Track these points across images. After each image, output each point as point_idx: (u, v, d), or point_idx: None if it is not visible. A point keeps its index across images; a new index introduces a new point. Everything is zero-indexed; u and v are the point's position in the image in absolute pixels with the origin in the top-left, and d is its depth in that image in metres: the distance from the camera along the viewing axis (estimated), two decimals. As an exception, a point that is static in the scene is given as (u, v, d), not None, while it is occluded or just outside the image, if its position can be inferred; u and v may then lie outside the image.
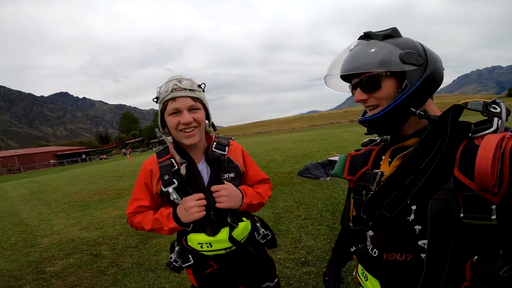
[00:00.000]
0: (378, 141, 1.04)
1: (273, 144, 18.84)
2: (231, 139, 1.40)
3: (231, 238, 1.22)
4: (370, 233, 0.85)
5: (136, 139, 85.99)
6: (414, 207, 0.74)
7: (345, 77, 0.90)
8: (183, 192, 1.21)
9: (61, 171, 25.93)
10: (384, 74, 0.77)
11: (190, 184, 1.23)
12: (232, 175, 1.30)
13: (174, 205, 1.23)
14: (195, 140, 1.21)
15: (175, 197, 1.19)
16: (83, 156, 57.83)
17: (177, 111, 1.16)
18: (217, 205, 1.20)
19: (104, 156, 56.02)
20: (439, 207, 0.66)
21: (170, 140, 1.28)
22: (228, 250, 1.27)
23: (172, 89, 1.15)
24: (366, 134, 1.04)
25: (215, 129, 1.38)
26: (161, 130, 1.28)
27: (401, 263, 0.74)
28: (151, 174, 1.27)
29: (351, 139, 14.55)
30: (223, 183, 1.24)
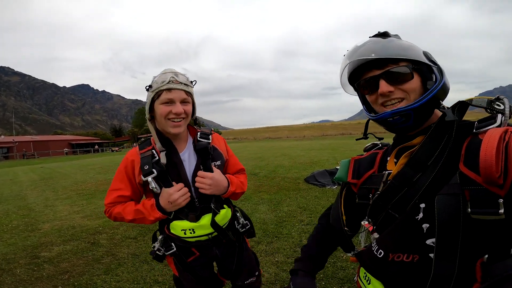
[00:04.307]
0: (380, 145, 1.03)
1: (282, 150, 18.73)
2: (211, 129, 1.47)
3: (213, 223, 1.29)
4: (375, 235, 0.82)
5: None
6: (423, 205, 0.70)
7: (355, 75, 0.86)
8: (163, 181, 1.26)
9: (73, 160, 26.45)
10: (415, 66, 0.76)
11: (170, 173, 1.28)
12: (218, 162, 1.38)
13: (155, 194, 1.28)
14: (181, 130, 1.28)
15: (153, 186, 1.24)
16: (96, 147, 58.78)
17: (170, 102, 1.23)
18: (201, 191, 1.26)
19: (116, 148, 56.95)
20: (446, 202, 0.64)
21: (153, 127, 1.33)
22: (209, 236, 1.34)
23: (169, 81, 1.21)
24: (358, 139, 1.05)
25: (196, 124, 1.47)
26: (147, 116, 1.32)
27: (408, 264, 0.71)
28: (132, 165, 1.32)
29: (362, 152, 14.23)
30: (212, 170, 1.31)
